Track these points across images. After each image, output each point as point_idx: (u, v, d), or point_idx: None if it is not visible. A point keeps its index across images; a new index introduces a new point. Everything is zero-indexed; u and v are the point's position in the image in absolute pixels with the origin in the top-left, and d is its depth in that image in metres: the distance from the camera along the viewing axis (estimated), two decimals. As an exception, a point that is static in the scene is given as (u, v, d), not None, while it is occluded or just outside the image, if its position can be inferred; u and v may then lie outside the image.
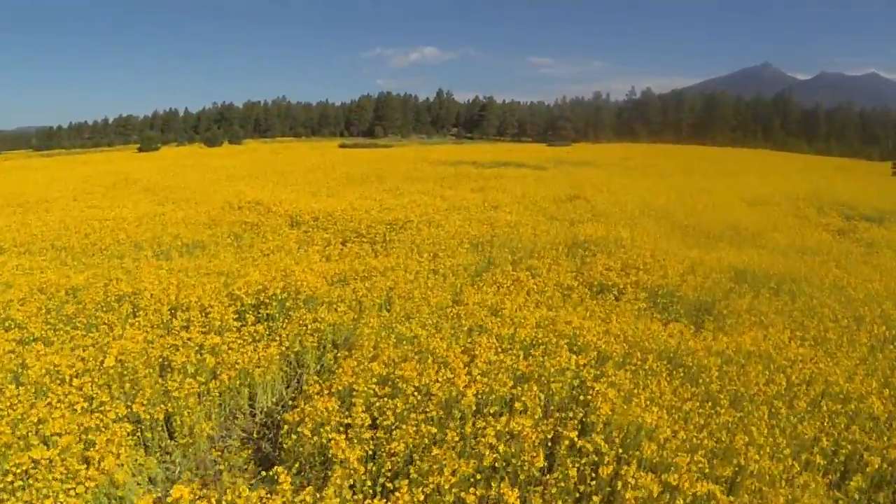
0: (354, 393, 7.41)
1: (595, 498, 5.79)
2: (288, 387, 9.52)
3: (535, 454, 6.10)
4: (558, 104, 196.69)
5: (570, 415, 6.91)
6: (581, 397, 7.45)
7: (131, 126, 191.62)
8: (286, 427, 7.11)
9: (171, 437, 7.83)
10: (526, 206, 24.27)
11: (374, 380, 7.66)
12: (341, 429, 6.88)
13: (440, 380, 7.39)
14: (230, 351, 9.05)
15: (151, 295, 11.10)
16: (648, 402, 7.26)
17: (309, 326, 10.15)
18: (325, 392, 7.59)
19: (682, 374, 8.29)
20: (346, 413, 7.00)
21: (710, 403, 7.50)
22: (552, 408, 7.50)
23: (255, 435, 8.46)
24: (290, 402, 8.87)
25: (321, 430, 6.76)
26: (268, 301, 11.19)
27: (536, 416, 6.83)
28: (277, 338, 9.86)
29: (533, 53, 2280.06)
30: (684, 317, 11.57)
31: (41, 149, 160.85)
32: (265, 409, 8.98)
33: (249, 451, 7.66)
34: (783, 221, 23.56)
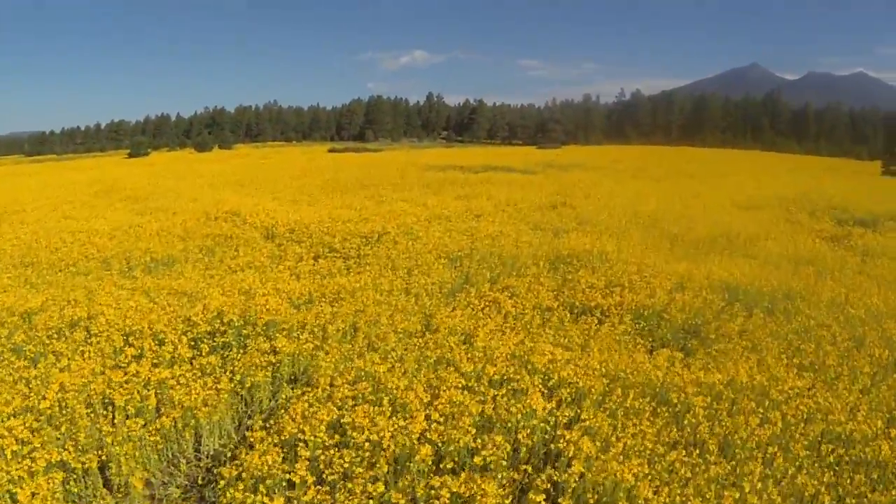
0: (300, 444, 6.63)
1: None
2: (239, 426, 8.70)
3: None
4: (548, 106, 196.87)
5: (542, 476, 6.07)
6: (553, 446, 6.66)
7: (123, 131, 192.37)
8: (223, 482, 6.30)
9: (107, 486, 7.06)
10: (510, 214, 23.56)
11: (324, 426, 6.89)
12: (284, 484, 6.15)
13: (393, 429, 6.59)
14: (178, 386, 8.31)
15: (107, 320, 10.34)
16: (629, 451, 6.47)
17: (265, 358, 9.36)
18: (270, 440, 6.80)
19: (667, 414, 7.50)
20: (291, 467, 6.24)
21: (697, 451, 6.69)
22: (520, 456, 6.71)
23: (199, 481, 7.69)
24: (235, 448, 8.07)
25: (260, 486, 6.00)
26: (224, 328, 10.42)
27: (499, 476, 6.02)
28: (230, 371, 9.11)
29: (523, 56, 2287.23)
30: (671, 341, 10.78)
31: (33, 154, 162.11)
32: (211, 453, 8.18)
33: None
34: (775, 228, 22.84)
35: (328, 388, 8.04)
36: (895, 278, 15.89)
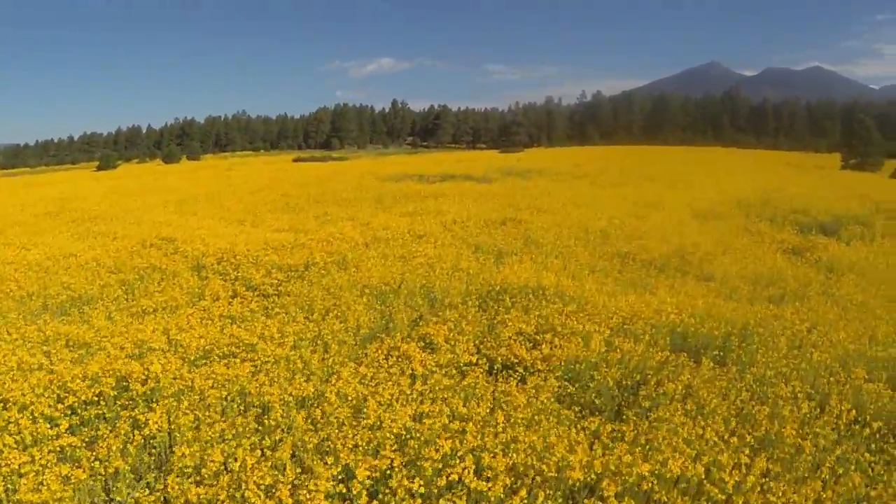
0: None
1: None
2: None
3: None
4: (511, 110, 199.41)
5: None
6: None
7: (95, 143, 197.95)
8: None
9: None
10: (455, 233, 22.20)
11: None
12: None
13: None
14: (31, 475, 6.98)
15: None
16: None
17: (139, 433, 8.04)
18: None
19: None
20: None
21: None
22: None
23: None
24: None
25: None
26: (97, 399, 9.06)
27: None
28: (94, 454, 7.65)
29: (487, 61, 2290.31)
30: (603, 406, 9.17)
31: (7, 167, 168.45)
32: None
33: None
34: (734, 241, 21.64)
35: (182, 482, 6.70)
36: (863, 300, 14.71)
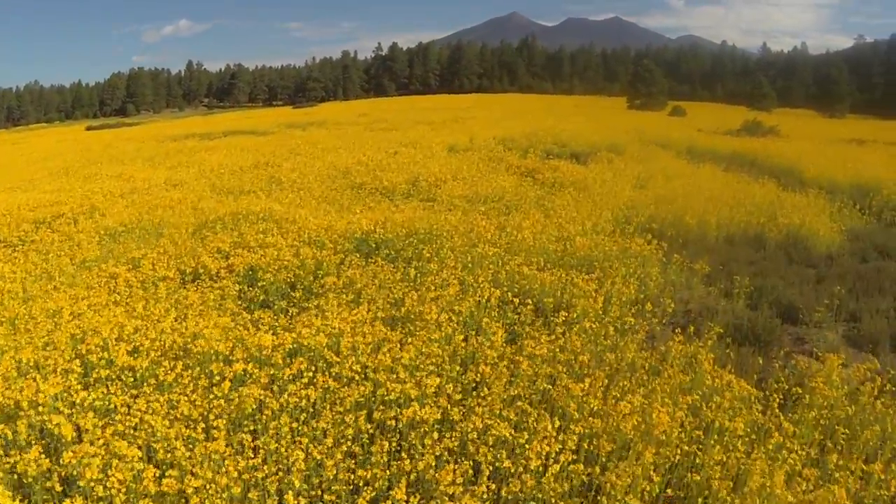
0: None
1: None
2: None
3: None
4: (308, 66, 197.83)
5: None
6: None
7: None
8: None
9: None
10: (209, 179, 22.72)
11: None
12: None
13: None
14: None
15: None
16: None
17: None
18: None
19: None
20: None
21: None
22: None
23: None
24: None
25: None
26: None
27: None
28: None
29: (284, 18, 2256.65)
30: (270, 300, 10.14)
31: None
32: None
33: None
34: (471, 169, 22.42)
35: None
36: (564, 203, 16.61)
